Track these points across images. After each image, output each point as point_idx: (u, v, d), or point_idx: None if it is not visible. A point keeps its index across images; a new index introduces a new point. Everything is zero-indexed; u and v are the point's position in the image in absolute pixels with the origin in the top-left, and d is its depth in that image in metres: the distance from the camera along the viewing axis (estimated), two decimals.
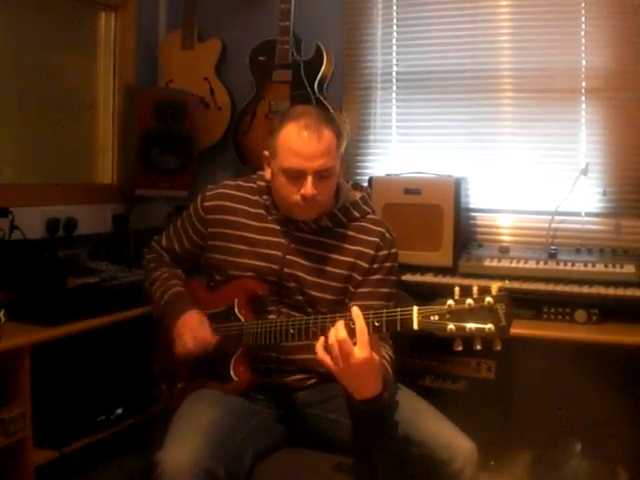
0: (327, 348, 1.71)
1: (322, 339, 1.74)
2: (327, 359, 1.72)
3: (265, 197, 2.11)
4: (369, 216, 2.13)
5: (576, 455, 2.76)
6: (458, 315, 1.63)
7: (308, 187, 1.93)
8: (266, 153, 2.05)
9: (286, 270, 2.05)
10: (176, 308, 2.08)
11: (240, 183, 2.19)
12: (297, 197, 1.96)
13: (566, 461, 2.76)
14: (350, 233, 2.09)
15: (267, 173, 2.07)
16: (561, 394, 2.87)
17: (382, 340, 1.96)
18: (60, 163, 3.32)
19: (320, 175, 1.94)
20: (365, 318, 1.71)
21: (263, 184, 2.13)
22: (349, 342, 1.67)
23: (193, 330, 2.01)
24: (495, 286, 1.63)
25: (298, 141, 1.92)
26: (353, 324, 1.70)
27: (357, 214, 2.11)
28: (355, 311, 1.71)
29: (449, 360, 2.83)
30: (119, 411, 2.67)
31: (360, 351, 1.67)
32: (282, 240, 2.08)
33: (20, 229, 2.72)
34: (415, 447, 1.84)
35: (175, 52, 3.49)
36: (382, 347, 1.95)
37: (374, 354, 1.70)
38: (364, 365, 1.68)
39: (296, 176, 1.94)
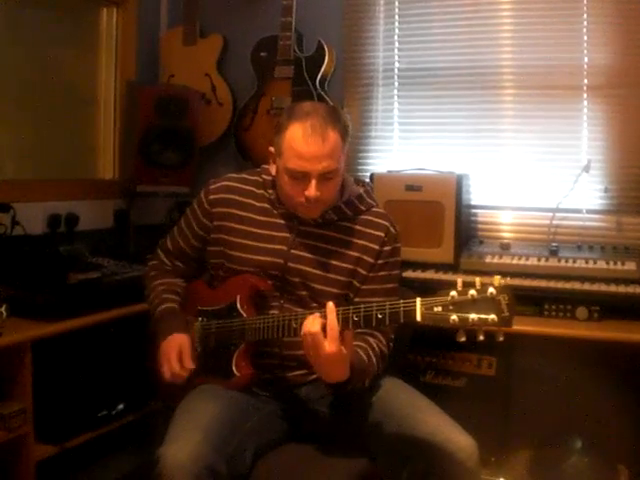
0: (303, 335, 1.78)
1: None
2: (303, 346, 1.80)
3: (270, 191, 2.11)
4: (374, 209, 2.14)
5: (576, 452, 2.77)
6: (461, 306, 1.63)
7: (312, 190, 1.93)
8: (271, 149, 2.04)
9: (290, 264, 2.05)
10: (162, 328, 2.10)
11: (245, 176, 2.18)
12: (301, 198, 1.96)
13: (566, 458, 2.76)
14: (355, 227, 2.09)
15: (272, 169, 2.07)
16: (562, 391, 2.87)
17: (382, 333, 2.01)
18: (61, 159, 3.32)
19: (324, 177, 1.94)
20: (368, 310, 1.74)
21: (268, 178, 2.12)
22: (320, 335, 1.74)
23: (169, 362, 2.01)
24: (497, 278, 1.64)
25: (302, 143, 1.91)
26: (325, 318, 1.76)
27: (362, 207, 2.11)
28: (330, 306, 1.76)
29: (450, 356, 2.83)
30: (120, 406, 2.67)
31: (329, 345, 1.73)
32: (287, 234, 2.08)
33: (21, 225, 2.72)
34: (415, 443, 1.84)
35: (176, 48, 3.49)
36: (376, 339, 2.00)
37: (343, 348, 1.75)
38: (331, 357, 1.75)
39: (300, 177, 1.94)
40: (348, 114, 3.25)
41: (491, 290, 1.62)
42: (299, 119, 1.94)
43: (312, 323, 1.76)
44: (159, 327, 2.10)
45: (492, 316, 1.61)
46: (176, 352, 2.01)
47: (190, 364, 2.00)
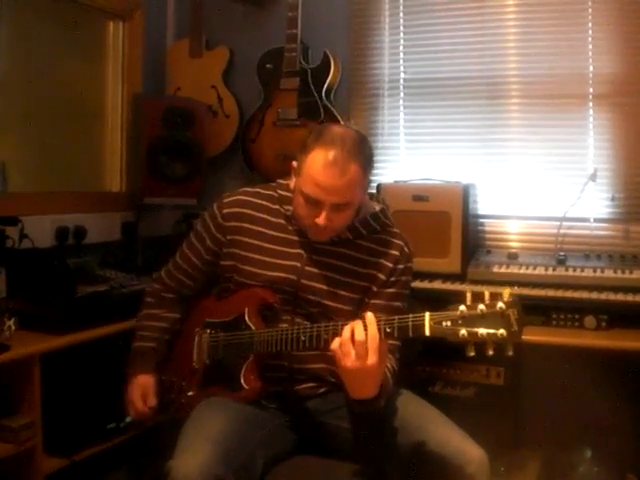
0: (340, 344, 1.73)
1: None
2: (339, 353, 1.74)
3: (286, 207, 2.09)
4: (389, 228, 2.12)
5: (586, 461, 2.76)
6: (470, 321, 1.64)
7: (322, 218, 1.92)
8: (294, 164, 2.02)
9: (303, 281, 2.04)
10: (130, 369, 2.18)
11: (259, 190, 2.17)
12: (311, 221, 1.95)
13: (576, 467, 2.75)
14: (370, 245, 2.08)
15: (292, 182, 2.04)
16: (570, 400, 2.86)
17: (389, 352, 1.96)
18: (69, 171, 3.33)
19: (337, 207, 1.92)
20: (377, 324, 1.73)
21: (285, 194, 2.11)
22: (365, 345, 1.70)
23: (133, 402, 2.12)
24: (507, 292, 1.64)
25: (320, 173, 1.88)
26: (366, 329, 1.71)
27: (377, 226, 2.10)
28: (369, 317, 1.73)
29: (459, 367, 2.82)
30: (129, 419, 2.67)
31: (371, 356, 1.70)
32: (301, 251, 2.07)
33: (30, 237, 2.73)
34: (425, 455, 1.84)
35: (183, 60, 3.51)
36: (387, 358, 1.95)
37: (381, 361, 1.72)
38: (372, 369, 1.71)
39: (313, 203, 1.92)
40: (354, 125, 3.29)
41: (500, 305, 1.62)
42: (324, 145, 1.89)
43: (357, 331, 1.72)
44: (128, 368, 2.19)
45: (501, 331, 1.61)
46: (139, 393, 2.12)
47: (153, 402, 2.11)
